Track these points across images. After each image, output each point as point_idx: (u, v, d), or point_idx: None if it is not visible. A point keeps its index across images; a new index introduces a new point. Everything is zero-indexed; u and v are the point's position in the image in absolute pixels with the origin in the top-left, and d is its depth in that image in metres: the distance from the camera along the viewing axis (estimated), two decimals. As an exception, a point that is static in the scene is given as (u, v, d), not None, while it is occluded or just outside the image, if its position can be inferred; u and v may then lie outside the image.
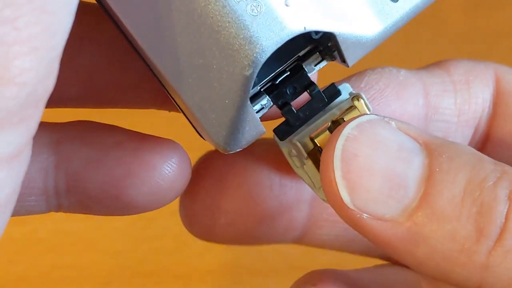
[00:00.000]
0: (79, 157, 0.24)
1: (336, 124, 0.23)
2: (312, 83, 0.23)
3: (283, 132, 0.23)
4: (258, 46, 0.20)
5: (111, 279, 0.41)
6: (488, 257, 0.21)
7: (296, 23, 0.20)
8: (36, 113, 0.17)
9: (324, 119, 0.23)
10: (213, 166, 0.26)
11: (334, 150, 0.21)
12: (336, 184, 0.21)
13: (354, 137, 0.21)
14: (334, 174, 0.21)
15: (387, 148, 0.21)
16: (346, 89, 0.23)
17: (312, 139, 0.23)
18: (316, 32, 0.21)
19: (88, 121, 0.25)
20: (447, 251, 0.21)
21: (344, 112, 0.23)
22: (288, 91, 0.22)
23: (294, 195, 0.27)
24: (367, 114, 0.22)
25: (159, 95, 0.24)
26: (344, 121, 0.23)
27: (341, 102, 0.23)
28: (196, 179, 0.26)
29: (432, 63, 0.27)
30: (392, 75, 0.25)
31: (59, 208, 0.25)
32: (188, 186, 0.25)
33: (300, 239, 0.28)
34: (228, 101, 0.21)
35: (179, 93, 0.21)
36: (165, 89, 0.22)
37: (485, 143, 0.27)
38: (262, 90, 0.22)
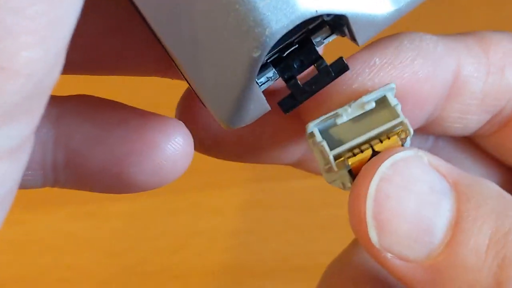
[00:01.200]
0: (80, 133, 0.24)
1: (375, 154, 0.23)
2: (320, 57, 0.22)
3: (287, 105, 0.23)
4: (267, 28, 0.20)
5: (111, 279, 0.41)
6: None
7: (308, 5, 0.20)
8: (41, 105, 0.17)
9: (366, 138, 0.23)
10: None
11: (368, 189, 0.22)
12: (366, 223, 0.22)
13: (388, 178, 0.22)
14: (365, 213, 0.22)
15: (419, 190, 0.22)
16: (390, 92, 0.23)
17: (346, 159, 0.23)
18: (328, 14, 0.21)
19: (90, 96, 0.25)
20: None
21: (385, 140, 0.23)
22: (295, 65, 0.22)
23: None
24: (402, 150, 0.22)
25: (163, 62, 0.24)
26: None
27: (388, 121, 0.23)
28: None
29: (474, 33, 0.26)
30: (429, 53, 0.24)
31: (55, 183, 0.25)
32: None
33: (299, 164, 0.27)
34: (234, 81, 0.21)
35: (184, 67, 0.21)
36: (170, 58, 0.21)
37: (504, 128, 0.27)
38: (268, 61, 0.22)
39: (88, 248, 0.42)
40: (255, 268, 0.41)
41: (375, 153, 0.23)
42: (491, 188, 0.23)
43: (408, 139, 0.23)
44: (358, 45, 0.22)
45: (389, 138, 0.23)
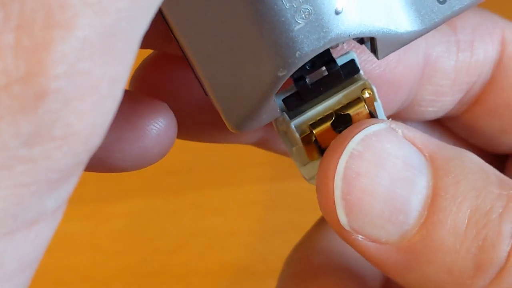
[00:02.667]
0: None
1: (338, 116, 0.22)
2: (333, 60, 0.22)
3: (292, 103, 0.22)
4: (297, 51, 0.20)
5: (111, 279, 0.41)
6: None
7: (340, 31, 0.20)
8: (84, 167, 0.17)
9: (328, 105, 0.22)
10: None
11: (336, 167, 0.20)
12: (334, 204, 0.20)
13: (359, 154, 0.20)
14: (333, 193, 0.20)
15: (392, 166, 0.20)
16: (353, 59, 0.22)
17: (310, 128, 0.22)
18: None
19: None
20: (441, 282, 0.20)
21: (350, 104, 0.22)
22: (306, 66, 0.21)
23: None
24: (374, 123, 0.21)
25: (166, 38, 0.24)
26: (350, 117, 0.22)
27: (351, 86, 0.22)
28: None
29: None
30: None
31: None
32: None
33: (260, 144, 0.26)
34: (253, 94, 0.20)
35: (200, 67, 0.21)
36: (181, 49, 0.21)
37: (473, 106, 0.26)
38: None
39: (87, 248, 0.42)
40: (255, 268, 0.41)
41: (341, 118, 0.22)
42: (471, 160, 0.21)
43: (379, 105, 0.22)
44: (378, 59, 0.21)
45: (353, 105, 0.22)
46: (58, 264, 0.42)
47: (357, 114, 0.22)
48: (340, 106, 0.22)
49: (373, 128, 0.20)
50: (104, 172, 0.24)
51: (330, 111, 0.22)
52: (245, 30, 0.20)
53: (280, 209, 0.42)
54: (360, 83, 0.22)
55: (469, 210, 0.20)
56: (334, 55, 0.22)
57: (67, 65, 0.15)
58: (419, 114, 0.25)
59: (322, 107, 0.22)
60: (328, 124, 0.22)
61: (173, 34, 0.21)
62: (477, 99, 0.26)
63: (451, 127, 0.27)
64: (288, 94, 0.22)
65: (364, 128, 0.20)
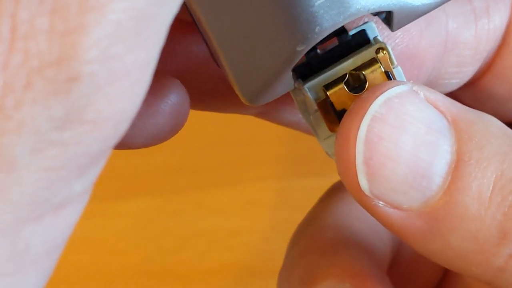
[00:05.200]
0: None
1: (355, 78, 0.21)
2: (344, 30, 0.21)
3: (301, 73, 0.22)
4: (317, 26, 0.19)
5: (113, 278, 0.41)
6: (508, 261, 0.19)
7: (361, 6, 0.20)
8: (111, 151, 0.17)
9: (342, 68, 0.21)
10: None
11: (357, 130, 0.19)
12: (355, 169, 0.19)
13: (381, 117, 0.19)
14: (354, 158, 0.19)
15: (415, 130, 0.19)
16: (371, 30, 0.22)
17: (324, 90, 0.21)
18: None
19: None
20: (464, 250, 0.20)
21: (365, 65, 0.21)
22: None
23: None
24: (396, 84, 0.20)
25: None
26: (364, 76, 0.21)
27: (365, 49, 0.21)
28: None
29: None
30: None
31: None
32: None
33: (260, 114, 0.26)
34: (270, 67, 0.20)
35: (215, 39, 0.20)
36: (194, 20, 0.21)
37: (485, 73, 0.25)
38: None
39: (90, 247, 0.42)
40: (257, 268, 0.41)
41: (354, 78, 0.21)
42: (494, 124, 0.20)
43: (399, 70, 0.21)
44: (392, 31, 0.21)
45: (368, 65, 0.21)
46: (61, 262, 0.41)
47: (372, 73, 0.21)
48: (355, 67, 0.21)
49: (395, 90, 0.20)
50: (118, 149, 0.24)
51: (345, 73, 0.21)
52: (265, 3, 0.19)
53: (283, 208, 0.42)
54: (375, 45, 0.21)
55: (494, 176, 0.19)
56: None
57: (101, 50, 0.15)
58: (442, 87, 0.25)
59: (336, 69, 0.21)
60: (342, 84, 0.21)
61: (185, 3, 0.21)
62: (490, 66, 0.25)
63: (458, 96, 0.26)
64: (298, 64, 0.21)
65: (386, 90, 0.20)
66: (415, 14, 0.21)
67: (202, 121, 0.44)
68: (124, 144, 0.23)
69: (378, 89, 0.20)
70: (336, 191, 0.27)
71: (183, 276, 0.41)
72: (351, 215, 0.26)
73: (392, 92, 0.20)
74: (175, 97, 0.23)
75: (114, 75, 0.15)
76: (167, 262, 0.41)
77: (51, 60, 0.15)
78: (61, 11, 0.15)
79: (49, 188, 0.16)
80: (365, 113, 0.19)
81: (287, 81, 0.21)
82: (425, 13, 0.21)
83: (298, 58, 0.20)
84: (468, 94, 0.26)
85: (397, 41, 0.23)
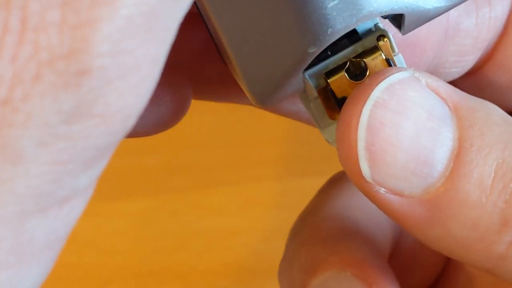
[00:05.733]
0: None
1: (356, 66, 0.21)
2: (355, 31, 0.21)
3: (309, 66, 0.21)
4: (329, 29, 0.19)
5: (112, 278, 0.41)
6: (509, 248, 0.19)
7: (374, 8, 0.19)
8: (116, 146, 0.17)
9: (343, 55, 0.21)
10: None
11: (360, 116, 0.19)
12: (357, 155, 0.19)
13: (383, 103, 0.19)
14: (356, 143, 0.19)
15: (417, 116, 0.19)
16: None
17: (325, 78, 0.21)
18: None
19: None
20: (465, 237, 0.19)
21: (366, 52, 0.21)
22: None
23: None
24: (398, 71, 0.20)
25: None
26: (364, 63, 0.21)
27: (366, 36, 0.21)
28: None
29: None
30: None
31: None
32: None
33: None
34: (281, 69, 0.20)
35: (225, 38, 0.20)
36: (204, 19, 0.21)
37: (486, 62, 0.25)
38: None
39: (89, 247, 0.42)
40: (256, 268, 0.41)
41: (355, 65, 0.21)
42: (495, 112, 0.20)
43: (400, 57, 0.21)
44: (402, 35, 0.21)
45: (369, 53, 0.21)
46: (59, 262, 0.41)
47: (373, 60, 0.21)
48: (356, 54, 0.21)
49: (397, 76, 0.19)
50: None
51: (345, 60, 0.21)
52: (277, 4, 0.19)
53: (281, 208, 0.42)
54: (376, 32, 0.21)
55: (495, 163, 0.19)
56: None
57: (112, 44, 0.15)
58: (442, 76, 0.24)
59: (337, 57, 0.21)
60: (343, 71, 0.21)
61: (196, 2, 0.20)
62: (489, 56, 0.25)
63: (458, 84, 0.25)
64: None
65: (388, 76, 0.20)
66: (425, 18, 0.21)
67: (201, 121, 0.44)
68: (127, 134, 0.23)
69: (379, 75, 0.20)
70: (335, 182, 0.27)
71: (182, 276, 0.41)
72: (351, 206, 0.26)
73: (394, 78, 0.19)
74: (177, 85, 0.23)
75: (124, 69, 0.15)
76: (166, 262, 0.41)
77: (61, 53, 0.15)
78: (73, 4, 0.15)
79: (55, 182, 0.16)
80: (367, 99, 0.19)
81: (297, 82, 0.20)
82: (436, 17, 0.21)
83: (310, 60, 0.20)
84: (469, 83, 0.26)
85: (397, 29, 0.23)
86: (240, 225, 0.42)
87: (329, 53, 0.21)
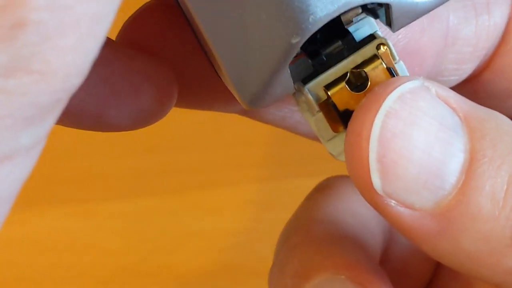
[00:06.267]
0: None
1: (356, 76, 0.20)
2: (346, 31, 0.21)
3: (306, 77, 0.21)
4: (311, 16, 0.19)
5: (110, 279, 0.41)
6: None
7: None
8: (62, 108, 0.16)
9: (342, 66, 0.21)
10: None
11: (371, 126, 0.19)
12: (368, 167, 0.19)
13: (395, 113, 0.19)
14: (367, 155, 0.19)
15: (428, 127, 0.19)
16: (370, 26, 0.21)
17: (325, 90, 0.21)
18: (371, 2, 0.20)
19: None
20: (476, 251, 0.19)
21: (365, 62, 0.21)
22: (318, 37, 0.20)
23: None
24: (408, 80, 0.19)
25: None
26: (365, 73, 0.20)
27: (365, 45, 0.21)
28: None
29: None
30: None
31: None
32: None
33: (245, 113, 0.25)
34: (266, 64, 0.20)
35: (210, 39, 0.20)
36: (192, 28, 0.20)
37: (484, 69, 0.25)
38: None
39: (86, 247, 0.42)
40: (254, 268, 0.41)
41: (356, 76, 0.20)
42: (505, 122, 0.20)
43: (401, 64, 0.21)
44: (393, 32, 0.20)
45: (369, 62, 0.20)
46: (57, 263, 0.42)
47: (373, 70, 0.20)
48: (355, 65, 0.21)
49: (408, 86, 0.19)
50: (101, 131, 0.23)
51: (345, 71, 0.21)
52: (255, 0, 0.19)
53: (279, 209, 0.42)
54: (375, 40, 0.21)
55: (508, 175, 0.19)
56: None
57: None
58: (441, 84, 0.24)
59: (336, 68, 0.21)
60: (343, 83, 0.20)
61: (180, 7, 0.20)
62: (488, 63, 0.25)
63: (457, 92, 0.26)
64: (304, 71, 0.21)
65: (398, 86, 0.19)
66: (414, 12, 0.20)
67: (198, 122, 0.44)
68: (109, 124, 0.23)
69: (390, 84, 0.19)
70: (322, 189, 0.27)
71: (180, 276, 0.41)
72: (341, 211, 0.25)
73: (405, 87, 0.19)
74: (161, 77, 0.22)
75: (63, 26, 0.15)
76: (163, 262, 0.41)
77: None
78: None
79: None
80: (379, 109, 0.19)
81: (286, 81, 0.20)
82: (426, 12, 0.20)
83: (294, 52, 0.19)
84: (467, 90, 0.25)
85: (399, 37, 0.23)
86: (238, 225, 0.42)
87: (327, 62, 0.21)
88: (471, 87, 0.25)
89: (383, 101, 0.19)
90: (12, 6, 0.14)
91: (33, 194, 0.43)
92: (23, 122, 0.16)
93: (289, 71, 0.20)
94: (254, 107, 0.20)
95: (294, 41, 0.19)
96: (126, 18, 0.23)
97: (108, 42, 0.23)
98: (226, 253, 0.41)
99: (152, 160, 0.44)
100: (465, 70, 0.24)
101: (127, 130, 0.23)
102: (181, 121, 0.41)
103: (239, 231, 0.42)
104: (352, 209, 0.25)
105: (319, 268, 0.23)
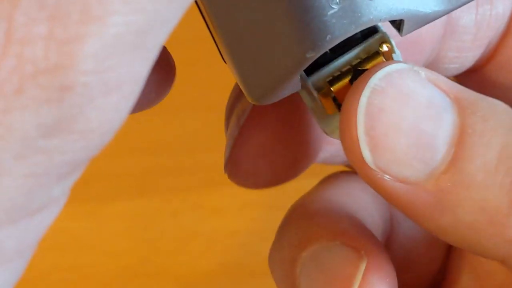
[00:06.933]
0: None
1: (358, 72, 0.21)
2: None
3: (309, 69, 0.21)
4: (328, 35, 0.19)
5: (111, 280, 0.41)
6: None
7: (373, 15, 0.20)
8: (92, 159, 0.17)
9: (345, 61, 0.21)
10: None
11: (358, 103, 0.19)
12: (358, 141, 0.19)
13: (382, 89, 0.19)
14: (356, 129, 0.19)
15: (416, 103, 0.19)
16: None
17: (328, 85, 0.21)
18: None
19: None
20: (474, 222, 0.19)
21: (368, 58, 0.21)
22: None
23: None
24: (395, 62, 0.20)
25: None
26: (367, 69, 0.21)
27: (368, 41, 0.21)
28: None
29: None
30: None
31: None
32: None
33: None
34: (278, 72, 0.20)
35: (223, 40, 0.20)
36: (205, 20, 0.21)
37: (488, 61, 0.25)
38: None
39: (88, 248, 0.42)
40: (256, 268, 0.41)
41: (359, 72, 0.21)
42: (497, 104, 0.20)
43: (398, 55, 0.21)
44: (401, 36, 0.21)
45: (372, 59, 0.21)
46: (58, 264, 0.41)
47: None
48: (358, 61, 0.21)
49: (395, 67, 0.20)
50: None
51: (348, 67, 0.21)
52: (277, 10, 0.19)
53: (280, 209, 0.41)
54: (378, 36, 0.21)
55: (499, 146, 0.19)
56: None
57: (97, 61, 0.15)
58: (441, 72, 0.24)
59: (339, 62, 0.21)
60: (347, 80, 0.21)
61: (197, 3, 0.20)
62: (492, 55, 0.25)
63: (460, 83, 0.26)
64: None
65: (386, 66, 0.20)
66: (424, 21, 0.21)
67: (200, 122, 0.44)
68: None
69: (377, 66, 0.20)
70: (324, 181, 0.27)
71: (181, 277, 0.41)
72: (341, 193, 0.26)
73: (392, 68, 0.20)
74: (158, 62, 0.23)
75: (107, 87, 0.15)
76: (165, 263, 0.41)
77: (46, 67, 0.14)
78: (61, 18, 0.14)
79: (28, 194, 0.16)
80: (364, 86, 0.19)
81: (294, 84, 0.21)
82: (435, 19, 0.21)
83: (307, 64, 0.20)
84: (471, 81, 0.25)
85: None
86: (240, 225, 0.42)
87: (330, 55, 0.21)
88: (475, 78, 0.25)
89: (368, 80, 0.19)
90: (62, 69, 0.14)
91: (34, 195, 0.43)
92: (57, 178, 0.16)
93: (298, 78, 0.20)
94: (259, 103, 0.21)
95: (309, 56, 0.20)
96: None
97: None
98: (228, 253, 0.41)
99: (153, 161, 0.44)
100: (466, 58, 0.25)
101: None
102: (182, 121, 0.41)
103: (240, 231, 0.42)
104: (351, 192, 0.26)
105: (315, 237, 0.24)
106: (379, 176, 0.19)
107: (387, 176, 0.19)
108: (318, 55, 0.20)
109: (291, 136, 0.23)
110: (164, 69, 0.22)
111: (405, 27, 0.21)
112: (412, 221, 0.20)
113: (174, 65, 0.23)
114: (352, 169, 0.27)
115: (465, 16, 0.24)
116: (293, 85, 0.21)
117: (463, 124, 0.19)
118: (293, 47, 0.20)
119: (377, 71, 0.20)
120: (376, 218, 0.26)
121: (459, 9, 0.24)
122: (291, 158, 0.24)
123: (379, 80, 0.19)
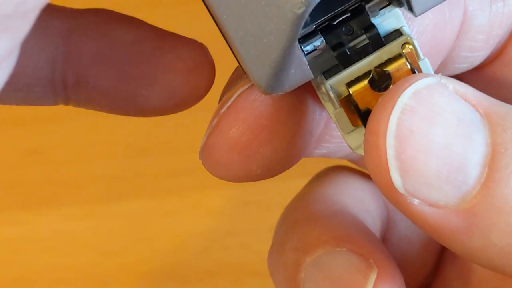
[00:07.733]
0: (91, 51, 0.22)
1: (380, 75, 0.20)
2: (372, 25, 0.20)
3: (331, 72, 0.21)
4: None
5: (109, 279, 0.41)
6: None
7: None
8: (24, 24, 0.16)
9: (366, 63, 0.20)
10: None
11: (387, 124, 0.18)
12: (387, 165, 0.18)
13: (411, 109, 0.18)
14: (385, 153, 0.18)
15: (446, 122, 0.18)
16: (396, 18, 0.21)
17: (347, 88, 0.20)
18: None
19: (106, 10, 0.23)
20: (505, 246, 0.19)
21: (390, 60, 0.20)
22: (343, 29, 0.20)
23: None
24: (424, 77, 0.19)
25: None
26: (388, 72, 0.20)
27: (390, 42, 0.20)
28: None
29: None
30: None
31: (67, 101, 0.23)
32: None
33: None
34: (274, 39, 0.19)
35: (224, 23, 0.19)
36: (215, 21, 0.20)
37: (495, 58, 0.24)
38: (317, 29, 0.20)
39: (86, 248, 0.42)
40: (255, 268, 0.41)
41: (379, 75, 0.20)
42: None
43: (426, 62, 0.20)
44: (415, 16, 0.20)
45: (393, 61, 0.20)
46: (57, 263, 0.41)
47: (397, 71, 0.20)
48: (379, 63, 0.20)
49: (423, 82, 0.19)
50: (135, 115, 0.22)
51: (369, 69, 0.20)
52: None
53: (279, 209, 0.41)
54: (401, 38, 0.20)
55: None
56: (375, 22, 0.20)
57: None
58: (450, 71, 0.24)
59: (360, 64, 0.20)
60: (366, 82, 0.20)
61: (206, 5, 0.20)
62: (500, 52, 0.24)
63: (466, 80, 0.24)
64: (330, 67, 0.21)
65: (414, 82, 0.19)
66: None
67: (198, 122, 0.44)
68: (141, 106, 0.22)
69: (405, 81, 0.19)
70: (322, 175, 0.27)
71: (180, 276, 0.41)
72: (341, 193, 0.25)
73: (421, 84, 0.19)
74: (194, 57, 0.22)
75: None
76: (164, 263, 0.41)
77: None
78: None
79: None
80: (394, 106, 0.18)
81: (300, 64, 0.20)
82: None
83: (300, 23, 0.19)
84: (477, 79, 0.25)
85: (421, 28, 0.22)
86: (239, 225, 0.42)
87: (351, 57, 0.20)
88: (482, 76, 0.25)
89: (398, 98, 0.18)
90: None
91: (33, 195, 0.43)
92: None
93: (301, 51, 0.20)
94: (270, 91, 0.20)
95: (299, 11, 0.19)
96: None
97: (136, 22, 0.22)
98: (226, 253, 0.41)
99: (151, 161, 0.44)
100: (477, 57, 0.24)
101: (160, 114, 0.22)
102: (180, 121, 0.41)
103: (239, 231, 0.42)
104: (351, 192, 0.25)
105: (319, 242, 0.23)
106: (408, 201, 0.19)
107: (416, 201, 0.19)
108: (309, 9, 0.19)
109: (271, 136, 0.22)
110: (200, 66, 0.22)
111: (416, 4, 0.20)
112: (440, 243, 0.20)
113: (212, 63, 0.22)
114: (354, 164, 0.27)
115: (479, 14, 0.23)
116: (300, 70, 0.20)
117: (495, 142, 0.19)
118: (284, 9, 0.19)
119: (405, 88, 0.19)
120: (375, 217, 0.26)
121: (473, 8, 0.23)
122: (267, 158, 0.23)
123: (408, 98, 0.18)
